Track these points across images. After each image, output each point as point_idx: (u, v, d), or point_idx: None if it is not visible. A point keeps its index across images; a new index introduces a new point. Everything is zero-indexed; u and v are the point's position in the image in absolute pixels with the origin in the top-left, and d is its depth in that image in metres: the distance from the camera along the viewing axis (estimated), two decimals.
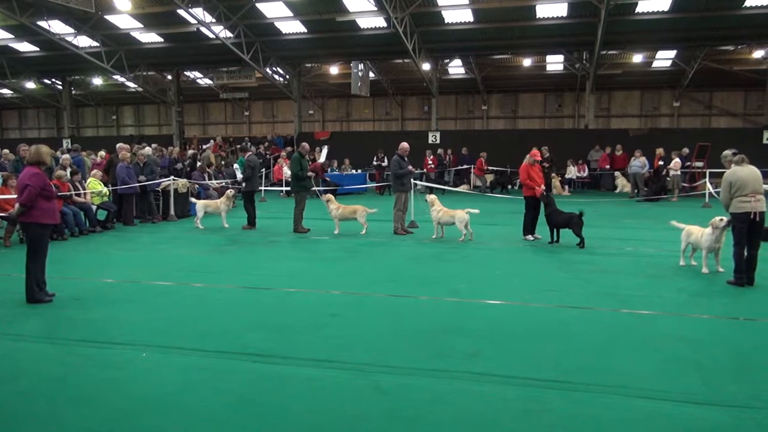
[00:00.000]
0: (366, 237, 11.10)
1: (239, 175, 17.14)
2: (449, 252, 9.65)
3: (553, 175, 21.21)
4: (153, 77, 29.48)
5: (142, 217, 13.62)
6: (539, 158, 10.81)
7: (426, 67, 24.92)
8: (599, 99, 28.00)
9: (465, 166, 23.06)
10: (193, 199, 13.94)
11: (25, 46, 25.77)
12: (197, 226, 12.51)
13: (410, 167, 11.65)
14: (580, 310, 6.16)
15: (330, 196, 12.11)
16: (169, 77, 29.01)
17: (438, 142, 25.44)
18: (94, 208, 12.38)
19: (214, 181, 16.88)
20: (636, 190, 19.33)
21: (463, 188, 20.73)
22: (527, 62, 25.97)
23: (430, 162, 22.38)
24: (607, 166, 22.57)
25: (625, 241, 10.47)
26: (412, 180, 11.94)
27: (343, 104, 33.16)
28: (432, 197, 11.08)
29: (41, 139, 30.18)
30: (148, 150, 15.05)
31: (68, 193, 11.67)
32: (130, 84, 29.77)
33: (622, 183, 21.34)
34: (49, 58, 26.44)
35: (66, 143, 27.99)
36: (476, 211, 10.76)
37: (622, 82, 27.59)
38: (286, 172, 19.50)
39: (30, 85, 31.64)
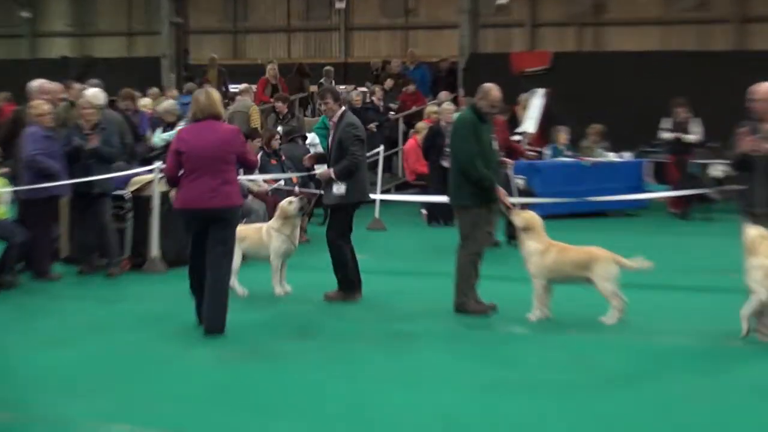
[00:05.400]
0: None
1: (318, 169, 8.31)
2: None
3: None
4: None
5: (83, 258, 8.65)
6: None
7: None
8: None
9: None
10: None
11: None
12: (235, 289, 6.95)
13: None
14: None
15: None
16: None
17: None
18: None
19: (259, 176, 9.98)
20: None
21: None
22: None
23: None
24: None
25: None
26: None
27: None
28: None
29: None
30: (99, 95, 9.51)
31: None
32: None
33: None
34: None
35: None
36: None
37: None
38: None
39: None
